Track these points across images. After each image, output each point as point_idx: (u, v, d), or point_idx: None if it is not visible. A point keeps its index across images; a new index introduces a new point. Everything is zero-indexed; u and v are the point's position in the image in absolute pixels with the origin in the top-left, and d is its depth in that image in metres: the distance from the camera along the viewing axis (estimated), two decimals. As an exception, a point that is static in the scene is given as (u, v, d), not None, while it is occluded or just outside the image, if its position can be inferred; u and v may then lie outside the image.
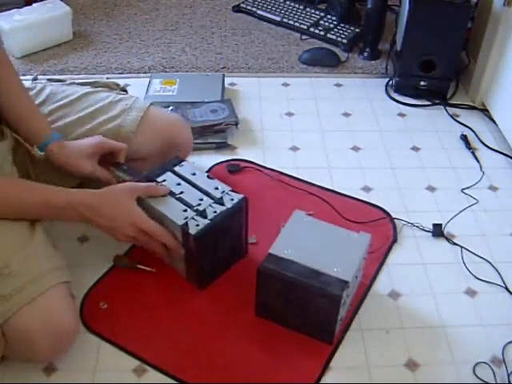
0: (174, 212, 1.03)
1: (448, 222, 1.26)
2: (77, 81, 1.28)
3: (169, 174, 1.11)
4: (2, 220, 0.96)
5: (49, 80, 1.27)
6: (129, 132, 1.17)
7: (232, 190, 1.09)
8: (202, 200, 1.06)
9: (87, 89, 1.23)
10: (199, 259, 1.05)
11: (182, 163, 1.14)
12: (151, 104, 1.24)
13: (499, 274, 1.16)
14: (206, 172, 1.30)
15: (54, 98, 1.19)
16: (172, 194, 1.07)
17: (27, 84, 1.24)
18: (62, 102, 1.18)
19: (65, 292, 0.96)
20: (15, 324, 0.89)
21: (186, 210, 1.04)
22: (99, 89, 1.25)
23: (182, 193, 1.07)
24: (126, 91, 1.30)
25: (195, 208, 1.04)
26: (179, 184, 1.09)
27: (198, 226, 1.01)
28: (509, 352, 1.02)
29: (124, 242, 1.08)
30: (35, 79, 1.27)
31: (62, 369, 0.98)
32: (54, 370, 0.97)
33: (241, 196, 1.08)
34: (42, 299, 0.91)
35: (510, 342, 1.03)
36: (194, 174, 1.12)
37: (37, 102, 1.16)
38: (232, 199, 1.07)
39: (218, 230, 1.04)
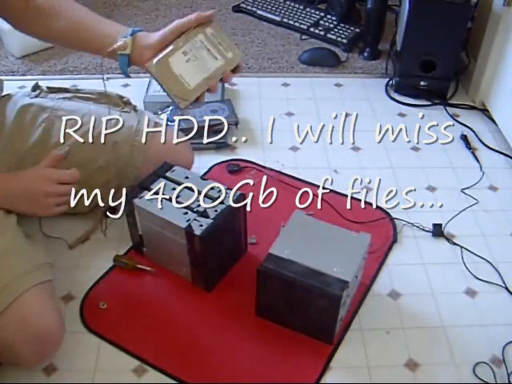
0: (175, 216, 1.03)
1: (448, 222, 1.26)
2: (80, 90, 1.26)
3: (162, 180, 1.11)
4: None
5: (49, 89, 1.23)
6: (138, 161, 1.18)
7: (228, 188, 1.09)
8: (200, 201, 1.06)
9: (90, 106, 1.21)
10: (206, 260, 1.05)
11: (174, 168, 1.14)
12: (156, 122, 1.23)
13: (499, 273, 1.16)
14: (205, 173, 1.30)
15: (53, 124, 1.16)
16: (169, 198, 1.07)
17: (27, 91, 1.23)
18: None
19: (43, 293, 0.93)
20: None
21: (186, 213, 1.04)
22: (102, 106, 1.22)
23: (179, 197, 1.07)
24: (130, 103, 1.28)
25: (195, 209, 1.04)
26: (174, 189, 1.09)
27: (201, 226, 1.01)
28: (509, 352, 1.02)
29: (55, 210, 1.00)
30: (37, 87, 1.23)
31: (62, 369, 0.98)
32: (54, 369, 0.97)
33: (238, 192, 1.08)
34: (18, 304, 0.89)
35: (510, 342, 1.03)
36: (187, 178, 1.12)
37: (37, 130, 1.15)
38: (230, 196, 1.07)
39: (220, 228, 1.04)
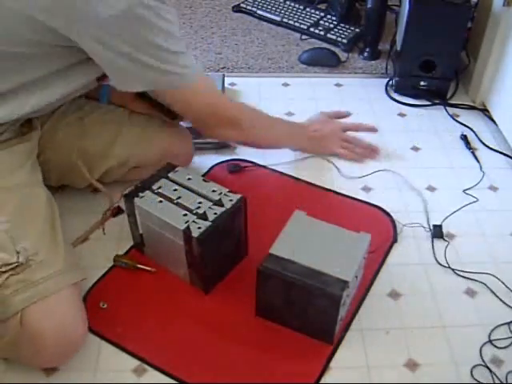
0: (174, 217, 1.03)
1: (448, 221, 1.26)
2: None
3: (164, 180, 1.11)
4: (29, 211, 0.99)
5: None
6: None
7: (229, 191, 1.09)
8: (200, 203, 1.06)
9: None
10: (203, 262, 1.05)
11: (176, 169, 1.14)
12: None
13: (499, 274, 1.16)
14: (205, 173, 1.31)
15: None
16: (170, 199, 1.07)
17: None
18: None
19: (77, 294, 0.97)
20: (28, 319, 0.88)
21: (186, 215, 1.04)
22: None
23: (179, 198, 1.07)
24: None
25: (195, 211, 1.04)
26: (175, 190, 1.09)
27: (199, 228, 1.01)
28: (509, 352, 1.02)
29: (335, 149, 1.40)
30: None
31: (61, 369, 0.97)
32: (54, 369, 0.97)
33: (239, 196, 1.08)
34: (57, 298, 0.91)
35: (510, 343, 1.04)
36: (189, 179, 1.12)
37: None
38: (231, 200, 1.07)
39: (219, 231, 1.04)
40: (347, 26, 1.89)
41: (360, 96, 1.66)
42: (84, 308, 0.98)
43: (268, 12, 1.99)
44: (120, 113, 1.22)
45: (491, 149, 1.48)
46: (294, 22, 1.93)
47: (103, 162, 1.21)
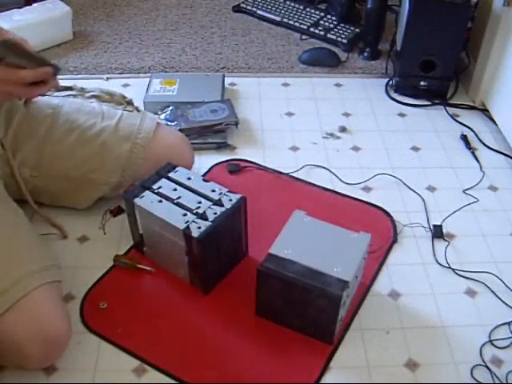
0: (174, 217, 1.03)
1: (448, 222, 1.26)
2: (84, 89, 1.28)
3: (164, 180, 1.11)
4: None
5: None
6: (139, 159, 1.19)
7: (229, 191, 1.09)
8: (200, 203, 1.06)
9: (93, 104, 1.23)
10: (203, 262, 1.05)
11: (177, 169, 1.14)
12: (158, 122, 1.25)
13: (499, 273, 1.16)
14: (205, 173, 1.30)
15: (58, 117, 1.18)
16: (170, 199, 1.07)
17: None
18: (66, 125, 1.17)
19: (53, 293, 0.94)
20: (2, 329, 0.88)
21: (185, 214, 1.04)
22: (105, 104, 1.24)
23: (179, 198, 1.07)
24: (132, 104, 1.29)
25: (195, 211, 1.04)
26: (175, 189, 1.09)
27: (199, 228, 1.01)
28: (508, 352, 1.02)
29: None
30: None
31: (62, 369, 0.97)
32: (54, 369, 0.97)
33: (239, 196, 1.08)
34: (27, 302, 0.89)
35: (510, 343, 1.04)
36: (189, 179, 1.12)
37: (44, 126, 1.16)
38: (230, 200, 1.07)
39: (219, 231, 1.04)
40: (347, 26, 1.89)
41: (360, 96, 1.66)
42: (63, 305, 0.96)
43: (268, 12, 1.99)
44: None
45: (491, 149, 1.48)
46: (294, 22, 1.93)
47: (93, 193, 1.20)
